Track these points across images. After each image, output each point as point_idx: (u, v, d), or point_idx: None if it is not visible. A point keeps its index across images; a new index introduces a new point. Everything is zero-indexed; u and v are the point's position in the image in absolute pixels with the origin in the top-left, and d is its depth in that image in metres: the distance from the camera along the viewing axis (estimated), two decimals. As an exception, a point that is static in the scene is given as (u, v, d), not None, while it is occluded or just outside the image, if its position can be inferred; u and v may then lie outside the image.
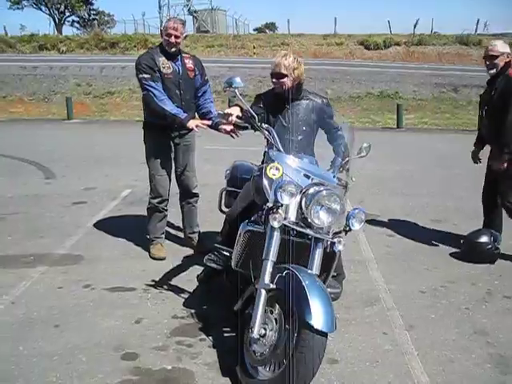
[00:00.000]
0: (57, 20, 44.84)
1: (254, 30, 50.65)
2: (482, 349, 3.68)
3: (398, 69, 24.92)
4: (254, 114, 3.68)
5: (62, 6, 44.35)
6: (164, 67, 4.94)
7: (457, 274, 5.01)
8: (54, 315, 4.11)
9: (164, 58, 4.96)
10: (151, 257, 5.30)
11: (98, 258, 5.31)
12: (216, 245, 4.07)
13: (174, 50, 4.97)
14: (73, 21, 46.72)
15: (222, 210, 4.79)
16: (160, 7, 42.60)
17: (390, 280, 4.84)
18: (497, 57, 5.15)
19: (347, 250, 5.47)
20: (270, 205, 3.27)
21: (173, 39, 4.91)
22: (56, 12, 44.82)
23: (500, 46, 5.18)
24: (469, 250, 5.35)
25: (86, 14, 46.64)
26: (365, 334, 3.87)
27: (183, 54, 5.13)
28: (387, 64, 26.58)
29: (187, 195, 5.43)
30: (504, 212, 5.43)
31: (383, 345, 3.73)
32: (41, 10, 44.97)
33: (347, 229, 3.40)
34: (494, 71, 5.21)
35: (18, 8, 45.06)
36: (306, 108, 3.93)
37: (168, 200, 5.34)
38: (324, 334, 2.96)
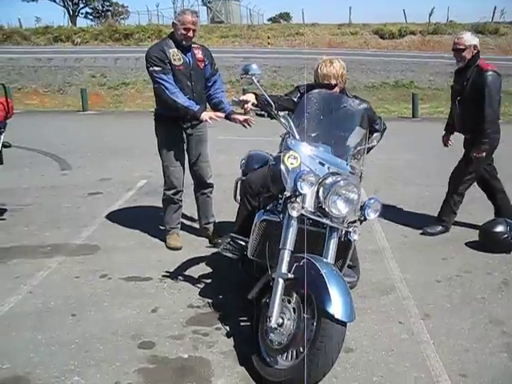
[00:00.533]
0: (71, 12, 44.95)
1: (269, 19, 50.55)
2: (497, 338, 3.67)
3: (414, 58, 24.75)
4: (270, 101, 3.64)
5: (76, -2, 44.49)
6: (175, 59, 4.91)
7: (472, 263, 4.99)
8: (71, 305, 4.16)
9: (175, 50, 4.93)
10: (167, 247, 5.33)
11: (115, 248, 5.35)
12: (231, 234, 4.08)
13: (189, 43, 4.97)
14: (86, 12, 46.86)
15: (237, 200, 4.79)
16: (174, -2, 42.58)
17: (406, 269, 4.84)
18: (464, 50, 5.18)
19: (362, 240, 5.46)
20: (287, 194, 3.26)
21: (191, 33, 4.88)
22: (70, 3, 44.95)
23: (466, 39, 5.18)
24: (484, 239, 5.33)
25: (100, 6, 46.72)
26: (380, 322, 3.88)
27: (193, 45, 5.09)
28: (402, 53, 26.42)
29: (202, 186, 5.43)
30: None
31: (399, 334, 3.73)
32: (55, 1, 45.15)
33: (362, 218, 3.39)
34: (461, 64, 5.26)
35: (32, 0, 45.30)
36: (331, 102, 3.76)
37: (183, 191, 5.35)
38: (343, 324, 2.96)
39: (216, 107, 5.23)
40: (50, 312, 4.04)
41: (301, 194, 3.20)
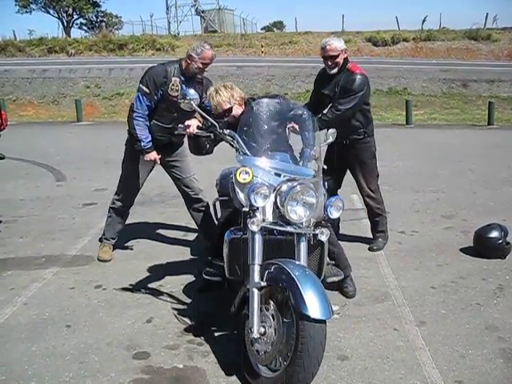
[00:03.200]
0: (65, 23, 44.95)
1: (262, 28, 50.61)
2: (493, 344, 3.67)
3: (407, 65, 24.84)
4: (213, 122, 3.68)
5: (70, 9, 44.43)
6: (172, 89, 4.80)
7: (467, 269, 5.00)
8: (66, 315, 4.15)
9: (177, 79, 4.81)
10: (98, 258, 5.31)
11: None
12: (209, 257, 4.10)
13: (199, 76, 4.91)
14: (81, 23, 46.84)
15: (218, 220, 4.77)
16: (167, 8, 42.76)
17: (401, 276, 4.84)
18: (337, 56, 5.01)
19: (357, 247, 5.50)
20: (246, 209, 3.27)
21: (207, 68, 4.83)
22: (64, 15, 44.90)
23: (338, 45, 5.01)
24: (479, 245, 5.34)
25: (94, 17, 46.74)
26: (375, 330, 3.88)
27: (197, 79, 4.95)
28: (396, 60, 26.52)
29: (191, 201, 5.32)
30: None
31: (394, 341, 3.73)
32: (49, 13, 45.12)
33: (326, 218, 3.41)
34: (335, 70, 5.06)
35: (26, 12, 45.25)
36: (271, 108, 3.77)
37: (132, 205, 5.36)
38: (322, 322, 2.96)
39: None
40: (44, 323, 4.02)
41: (258, 208, 3.22)
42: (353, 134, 5.20)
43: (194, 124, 3.80)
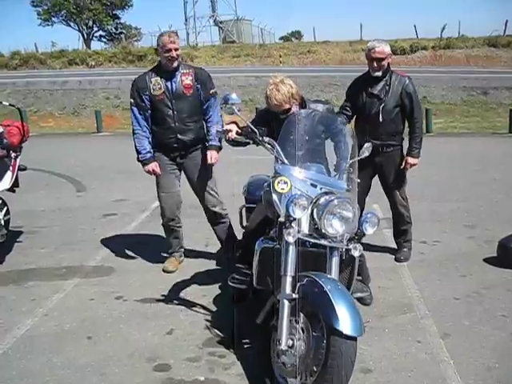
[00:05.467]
0: (85, 35, 45.48)
1: (280, 38, 50.66)
2: (520, 357, 3.59)
3: (426, 73, 24.67)
4: (254, 128, 3.63)
5: (91, 22, 44.96)
6: (155, 89, 4.85)
7: (492, 280, 4.91)
8: (86, 327, 4.15)
9: (157, 78, 4.86)
10: (163, 269, 5.30)
11: (130, 270, 5.34)
12: (236, 265, 4.06)
13: (175, 64, 4.85)
14: (100, 35, 47.37)
15: (244, 227, 4.75)
16: (186, 19, 43.11)
17: (424, 287, 4.77)
18: (384, 59, 5.03)
19: (379, 257, 5.43)
20: (282, 220, 3.23)
21: (174, 53, 4.77)
22: (84, 27, 45.45)
23: (386, 48, 5.03)
24: (503, 255, 5.25)
25: (114, 29, 47.21)
26: (399, 342, 3.82)
27: (182, 71, 4.93)
28: (414, 69, 26.33)
29: (208, 214, 5.34)
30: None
31: (418, 353, 3.66)
32: (70, 26, 45.69)
33: (361, 234, 3.37)
34: (379, 73, 5.08)
35: (47, 25, 45.87)
36: (313, 119, 3.77)
37: (178, 217, 5.32)
38: (353, 339, 2.91)
39: (207, 136, 5.14)
40: (65, 334, 4.03)
41: (295, 219, 3.18)
42: (392, 139, 5.27)
43: (234, 130, 3.78)
